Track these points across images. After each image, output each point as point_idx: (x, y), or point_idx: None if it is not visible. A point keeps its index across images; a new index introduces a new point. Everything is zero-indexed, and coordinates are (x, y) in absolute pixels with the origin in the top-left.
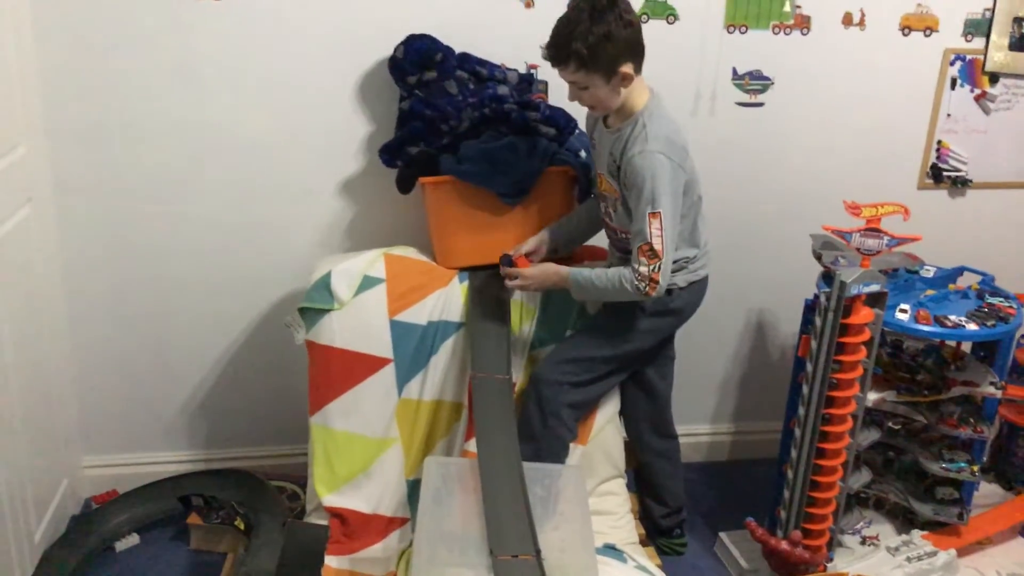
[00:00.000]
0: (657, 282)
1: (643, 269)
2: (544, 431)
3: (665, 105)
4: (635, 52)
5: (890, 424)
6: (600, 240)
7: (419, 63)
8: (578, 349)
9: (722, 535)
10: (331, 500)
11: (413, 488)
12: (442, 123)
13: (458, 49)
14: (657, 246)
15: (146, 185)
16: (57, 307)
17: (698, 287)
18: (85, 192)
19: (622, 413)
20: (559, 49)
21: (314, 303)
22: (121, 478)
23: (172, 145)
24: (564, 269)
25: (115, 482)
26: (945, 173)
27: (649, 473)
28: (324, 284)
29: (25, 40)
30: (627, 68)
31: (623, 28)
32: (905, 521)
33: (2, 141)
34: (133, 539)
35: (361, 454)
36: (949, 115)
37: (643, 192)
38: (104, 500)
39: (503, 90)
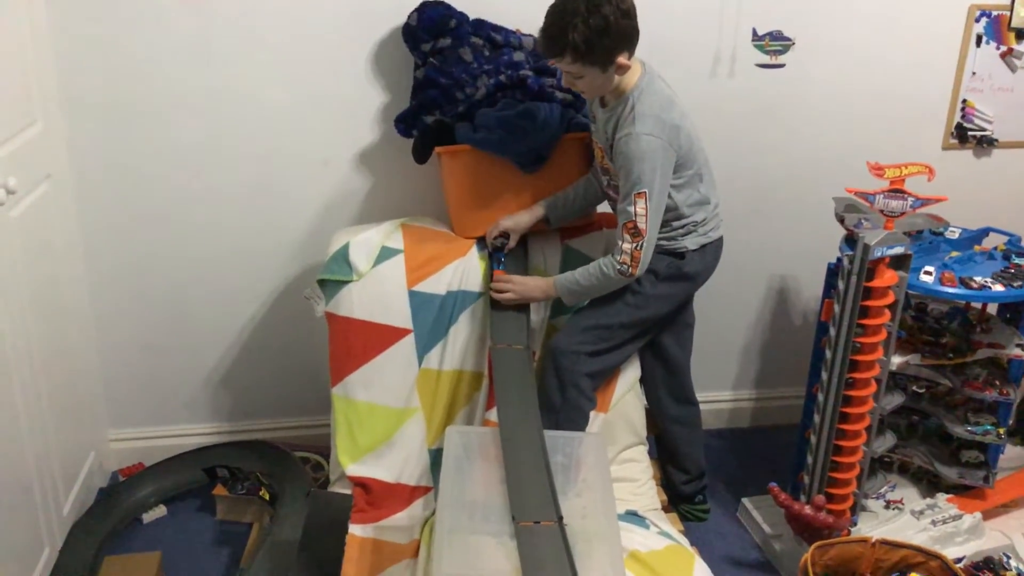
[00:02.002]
0: (639, 260)
1: (626, 246)
2: (563, 401)
3: (657, 80)
4: (631, 40)
5: (914, 388)
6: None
7: (433, 30)
8: (594, 318)
9: (745, 501)
10: (354, 470)
11: (435, 457)
12: (457, 91)
13: (472, 15)
14: (641, 225)
15: (163, 159)
16: (78, 282)
17: (711, 249)
18: (103, 167)
19: (642, 381)
20: (554, 41)
21: (333, 275)
22: (147, 451)
23: (188, 119)
24: (546, 281)
25: (141, 455)
26: (970, 133)
27: (670, 440)
28: (342, 256)
29: (39, 15)
30: (623, 58)
31: (621, 18)
32: (930, 485)
33: (20, 118)
34: (160, 510)
35: (383, 424)
36: (974, 73)
37: (631, 173)
38: (130, 473)
39: (519, 56)
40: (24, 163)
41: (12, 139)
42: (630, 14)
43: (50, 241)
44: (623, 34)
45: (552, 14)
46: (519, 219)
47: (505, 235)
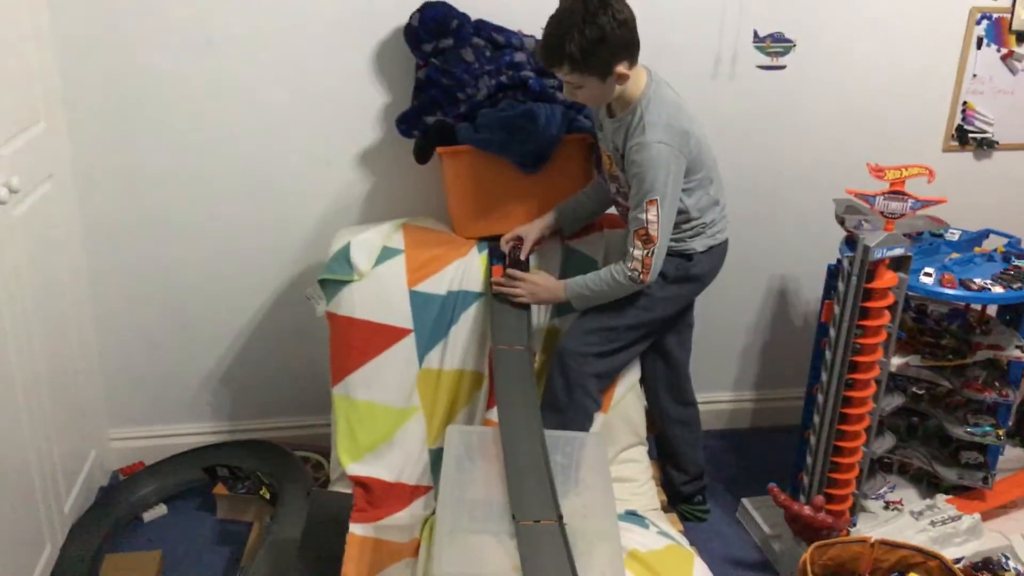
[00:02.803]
0: (650, 267)
1: (637, 253)
2: (569, 402)
3: (664, 87)
4: (630, 50)
5: (914, 389)
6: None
7: (435, 30)
8: (602, 320)
9: (744, 501)
10: (355, 469)
11: (436, 457)
12: (459, 91)
13: (474, 16)
14: (653, 232)
15: (164, 159)
16: (80, 282)
17: (718, 251)
18: (104, 167)
19: (642, 381)
20: (552, 51)
21: (334, 275)
22: (147, 450)
23: (189, 119)
24: (557, 283)
25: (141, 454)
26: (971, 135)
27: (669, 441)
28: (344, 255)
29: (42, 15)
30: (622, 67)
31: (617, 28)
32: (929, 485)
33: (22, 117)
34: (160, 509)
35: (383, 423)
36: (975, 76)
37: (643, 181)
38: (131, 472)
39: (520, 57)
40: (27, 162)
41: (15, 138)
42: (628, 24)
43: (52, 240)
44: (621, 44)
45: (550, 25)
46: (535, 226)
47: (519, 240)
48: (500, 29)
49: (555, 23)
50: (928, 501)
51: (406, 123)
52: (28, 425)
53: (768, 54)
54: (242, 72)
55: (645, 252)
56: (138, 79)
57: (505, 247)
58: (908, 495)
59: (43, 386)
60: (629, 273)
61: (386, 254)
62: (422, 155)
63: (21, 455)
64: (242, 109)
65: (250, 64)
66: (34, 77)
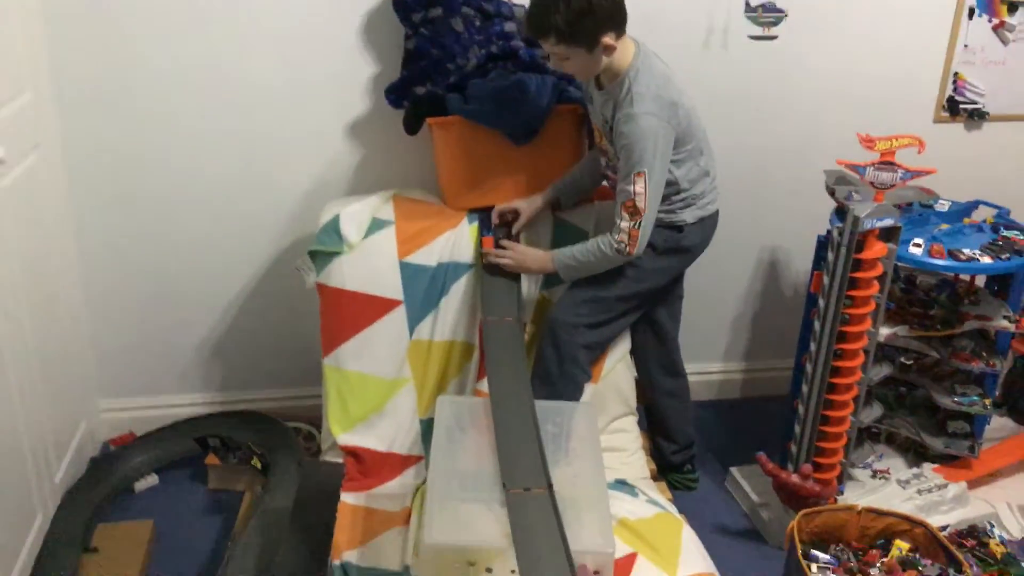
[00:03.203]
0: (636, 239)
1: (624, 224)
2: (560, 373)
3: (652, 58)
4: (616, 21)
5: (902, 359)
6: None
7: (423, 0)
8: (592, 290)
9: (733, 470)
10: (346, 439)
11: (427, 427)
12: (448, 62)
13: None
14: (640, 204)
15: (153, 131)
16: (69, 253)
17: (708, 223)
18: (93, 138)
19: (632, 352)
20: (538, 23)
21: (324, 246)
22: (138, 421)
23: (177, 90)
24: (545, 254)
25: (132, 425)
26: (961, 106)
27: (658, 411)
28: (333, 227)
29: None
30: (609, 39)
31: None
32: (916, 455)
33: (8, 87)
34: (152, 479)
35: (374, 394)
36: (966, 46)
37: (631, 153)
38: (121, 443)
39: (510, 27)
40: (13, 133)
41: (1, 108)
42: None
43: (40, 211)
44: (607, 14)
45: None
46: (532, 201)
47: (514, 212)
48: None
49: None
50: (915, 470)
51: (395, 94)
52: (18, 396)
53: (760, 24)
54: (230, 44)
55: (632, 224)
56: (126, 51)
57: (497, 219)
58: (895, 464)
59: (32, 357)
60: (616, 245)
61: (376, 225)
62: (412, 126)
63: (11, 426)
64: (230, 81)
65: (238, 36)
66: (19, 47)
